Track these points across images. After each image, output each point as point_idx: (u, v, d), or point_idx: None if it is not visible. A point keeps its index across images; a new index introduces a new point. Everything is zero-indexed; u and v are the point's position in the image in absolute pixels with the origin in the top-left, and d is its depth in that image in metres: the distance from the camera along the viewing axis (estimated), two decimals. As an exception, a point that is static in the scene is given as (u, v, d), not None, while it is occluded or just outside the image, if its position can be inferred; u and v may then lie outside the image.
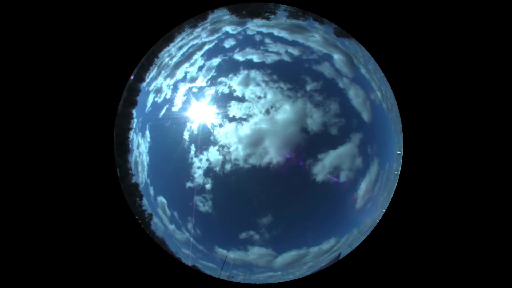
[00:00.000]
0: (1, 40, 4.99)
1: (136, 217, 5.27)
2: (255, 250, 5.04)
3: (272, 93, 4.82)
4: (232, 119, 4.75)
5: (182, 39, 5.58)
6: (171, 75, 5.33)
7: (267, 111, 4.76)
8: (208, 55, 5.31)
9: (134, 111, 5.51)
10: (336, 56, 5.30)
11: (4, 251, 4.89)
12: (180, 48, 5.52)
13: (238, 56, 5.16)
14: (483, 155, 5.13)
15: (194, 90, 5.08)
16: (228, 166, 4.71)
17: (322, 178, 4.75)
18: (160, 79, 5.39)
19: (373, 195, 5.19)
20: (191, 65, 5.30)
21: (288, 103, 4.78)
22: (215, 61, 5.20)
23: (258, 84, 4.87)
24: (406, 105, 5.26)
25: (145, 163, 5.31)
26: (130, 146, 5.47)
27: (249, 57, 5.11)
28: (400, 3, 5.26)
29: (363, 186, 5.05)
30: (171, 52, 5.52)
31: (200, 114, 4.92)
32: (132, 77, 5.31)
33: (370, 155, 5.06)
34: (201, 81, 5.11)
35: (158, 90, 5.33)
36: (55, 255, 5.05)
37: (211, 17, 5.67)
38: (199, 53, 5.35)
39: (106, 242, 5.19)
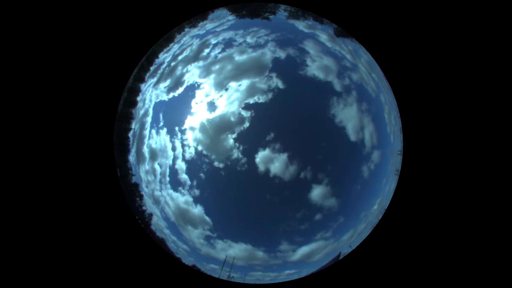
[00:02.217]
0: (2, 41, 4.99)
1: (136, 217, 5.27)
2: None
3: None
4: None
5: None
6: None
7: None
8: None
9: (134, 111, 5.52)
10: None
11: (4, 250, 4.89)
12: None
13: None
14: (483, 153, 5.13)
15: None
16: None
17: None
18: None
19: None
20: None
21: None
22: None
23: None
24: (406, 105, 5.26)
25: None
26: (130, 146, 5.48)
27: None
28: (400, 3, 5.26)
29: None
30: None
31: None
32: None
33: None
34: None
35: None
36: (55, 255, 5.05)
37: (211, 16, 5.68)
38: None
39: (106, 241, 5.20)
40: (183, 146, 4.97)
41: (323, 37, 5.57)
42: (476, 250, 5.04)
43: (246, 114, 4.79)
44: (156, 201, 5.26)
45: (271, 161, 4.73)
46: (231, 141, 4.77)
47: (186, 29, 5.69)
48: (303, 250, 5.20)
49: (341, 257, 5.27)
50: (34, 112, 5.09)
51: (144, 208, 5.44)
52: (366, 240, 5.17)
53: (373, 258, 5.23)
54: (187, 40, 5.53)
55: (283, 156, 4.77)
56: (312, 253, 5.24)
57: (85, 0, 5.17)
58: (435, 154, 5.23)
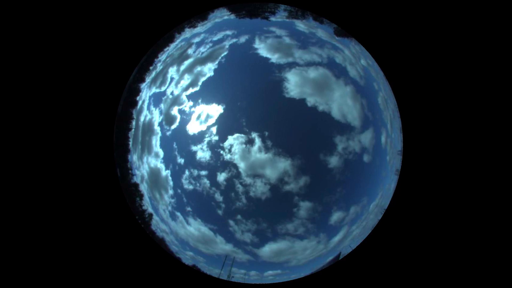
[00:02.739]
0: (2, 41, 5.00)
1: (136, 217, 5.28)
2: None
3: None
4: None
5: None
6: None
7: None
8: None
9: (134, 112, 5.53)
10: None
11: (4, 250, 4.90)
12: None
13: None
14: (483, 153, 5.12)
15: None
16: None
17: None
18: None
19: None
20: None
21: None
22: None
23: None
24: (406, 105, 5.25)
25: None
26: (130, 146, 5.49)
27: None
28: (400, 3, 5.26)
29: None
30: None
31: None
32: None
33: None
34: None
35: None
36: (55, 255, 5.06)
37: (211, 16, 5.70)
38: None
39: (106, 242, 5.20)
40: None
41: (301, 26, 5.58)
42: (476, 250, 5.03)
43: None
44: (142, 179, 5.49)
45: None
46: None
47: (186, 29, 5.70)
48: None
49: (341, 257, 5.26)
50: (34, 112, 5.09)
51: (144, 208, 5.45)
52: (366, 240, 5.15)
53: (373, 258, 5.22)
54: (177, 44, 5.79)
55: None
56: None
57: (85, 0, 5.17)
58: (435, 154, 5.22)
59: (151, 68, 5.66)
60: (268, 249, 5.03)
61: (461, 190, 5.13)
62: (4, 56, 5.01)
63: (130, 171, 5.45)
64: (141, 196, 5.49)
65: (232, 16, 5.64)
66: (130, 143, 5.51)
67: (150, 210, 5.47)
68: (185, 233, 5.27)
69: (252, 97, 4.96)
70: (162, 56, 5.74)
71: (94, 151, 5.19)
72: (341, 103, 4.96)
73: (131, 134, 5.53)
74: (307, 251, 5.09)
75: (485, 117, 5.11)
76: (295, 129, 4.82)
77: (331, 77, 5.12)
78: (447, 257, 5.09)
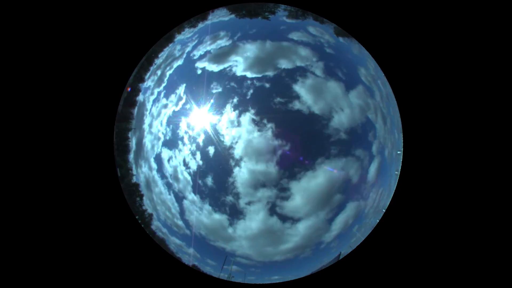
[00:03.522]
0: (1, 41, 5.00)
1: (136, 217, 5.27)
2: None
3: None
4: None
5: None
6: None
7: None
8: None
9: (134, 111, 5.53)
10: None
11: (4, 250, 4.90)
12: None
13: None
14: (484, 153, 5.13)
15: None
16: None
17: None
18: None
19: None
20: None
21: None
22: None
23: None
24: (406, 105, 5.26)
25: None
26: (130, 146, 5.48)
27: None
28: (400, 3, 5.26)
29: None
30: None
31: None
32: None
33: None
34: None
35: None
36: (55, 255, 5.06)
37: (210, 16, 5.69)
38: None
39: (106, 242, 5.20)
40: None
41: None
42: (477, 250, 5.04)
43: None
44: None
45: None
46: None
47: (186, 29, 5.69)
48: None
49: (341, 257, 5.26)
50: (33, 112, 5.09)
51: (144, 208, 5.44)
52: (366, 240, 5.16)
53: (373, 258, 5.22)
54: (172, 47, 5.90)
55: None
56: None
57: (85, 0, 5.18)
58: (436, 154, 5.23)
59: (151, 68, 5.65)
60: None
61: (461, 190, 5.14)
62: (3, 56, 5.01)
63: (130, 171, 5.44)
64: (141, 196, 5.48)
65: (232, 16, 5.63)
66: (131, 143, 5.50)
67: (149, 209, 5.46)
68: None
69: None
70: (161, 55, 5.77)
71: (94, 151, 5.19)
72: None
73: (131, 134, 5.52)
74: None
75: (486, 118, 5.12)
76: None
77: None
78: (447, 257, 5.10)
